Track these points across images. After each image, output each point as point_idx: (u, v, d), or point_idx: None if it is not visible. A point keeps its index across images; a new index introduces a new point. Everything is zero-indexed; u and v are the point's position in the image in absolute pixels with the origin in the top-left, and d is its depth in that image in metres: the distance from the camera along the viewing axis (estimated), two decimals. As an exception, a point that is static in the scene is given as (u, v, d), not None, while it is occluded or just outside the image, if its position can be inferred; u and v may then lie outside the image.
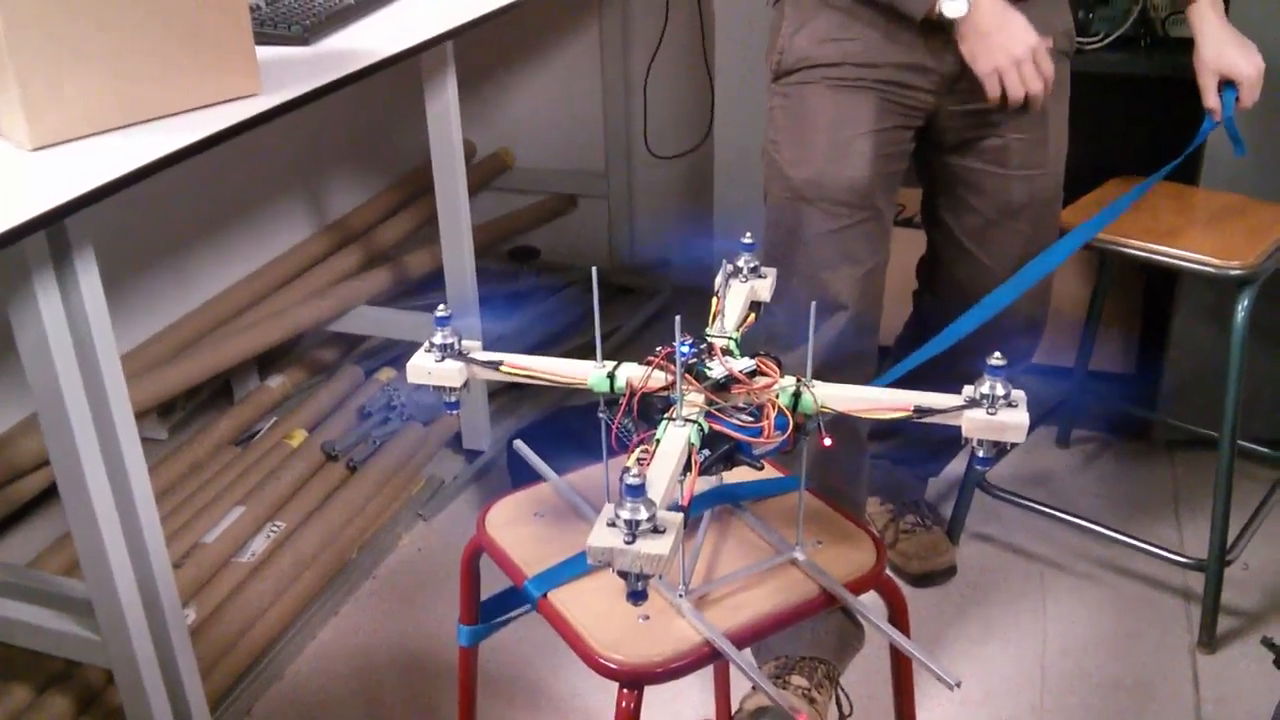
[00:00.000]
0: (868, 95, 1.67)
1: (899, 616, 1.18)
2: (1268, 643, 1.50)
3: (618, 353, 1.09)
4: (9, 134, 1.44)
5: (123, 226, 2.40)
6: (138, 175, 1.39)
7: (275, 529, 2.16)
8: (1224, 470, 1.90)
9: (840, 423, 1.04)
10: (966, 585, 2.15)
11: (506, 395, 2.70)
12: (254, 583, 2.04)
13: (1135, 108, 2.32)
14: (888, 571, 1.18)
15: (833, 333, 1.70)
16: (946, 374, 1.16)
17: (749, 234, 1.23)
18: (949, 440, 2.09)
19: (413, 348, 1.12)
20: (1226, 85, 1.77)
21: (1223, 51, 1.75)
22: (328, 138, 3.05)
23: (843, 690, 1.75)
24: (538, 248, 3.44)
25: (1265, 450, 2.23)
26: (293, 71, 1.73)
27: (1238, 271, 1.81)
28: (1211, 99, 1.77)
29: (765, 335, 1.75)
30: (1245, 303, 1.82)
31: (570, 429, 2.37)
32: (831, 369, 1.34)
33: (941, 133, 1.75)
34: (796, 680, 1.71)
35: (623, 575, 0.87)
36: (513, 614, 1.28)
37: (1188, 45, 1.80)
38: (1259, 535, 2.09)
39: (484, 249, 2.92)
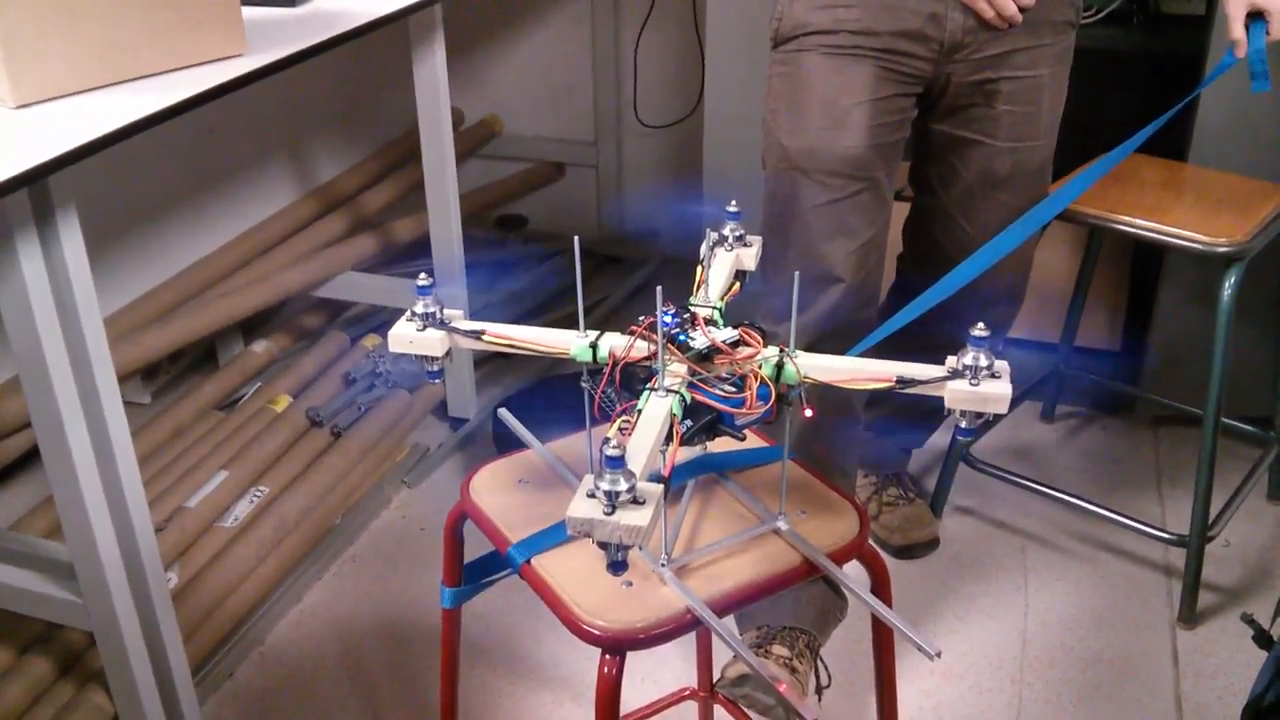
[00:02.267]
0: (865, 63, 1.66)
1: (881, 587, 1.19)
2: (1247, 619, 1.50)
3: (605, 322, 1.09)
4: (-10, 92, 1.43)
5: (107, 188, 2.39)
6: (122, 134, 1.37)
7: (259, 494, 2.16)
8: (1207, 447, 1.90)
9: (832, 393, 1.04)
10: (949, 558, 2.16)
11: (492, 363, 2.69)
12: (237, 548, 2.04)
13: (1126, 84, 2.31)
14: (870, 542, 1.18)
15: (829, 305, 1.70)
16: (926, 342, 1.16)
17: (734, 202, 1.23)
18: (932, 411, 2.10)
19: (398, 314, 1.12)
20: (1254, 18, 1.71)
21: None
22: (314, 101, 3.03)
23: (823, 661, 1.76)
24: (525, 216, 3.43)
25: (1248, 428, 2.24)
26: (279, 32, 1.71)
27: (1225, 249, 1.81)
28: (1238, 30, 1.70)
29: (762, 307, 1.74)
30: (1232, 280, 1.82)
31: (556, 398, 2.37)
32: (829, 340, 1.33)
33: (936, 100, 1.74)
34: (778, 650, 1.72)
35: (603, 546, 0.87)
36: (495, 576, 1.28)
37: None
38: (1240, 512, 2.10)
39: (471, 216, 2.91)
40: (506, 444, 1.29)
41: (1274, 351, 2.23)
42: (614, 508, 0.85)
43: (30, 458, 2.25)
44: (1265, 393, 2.23)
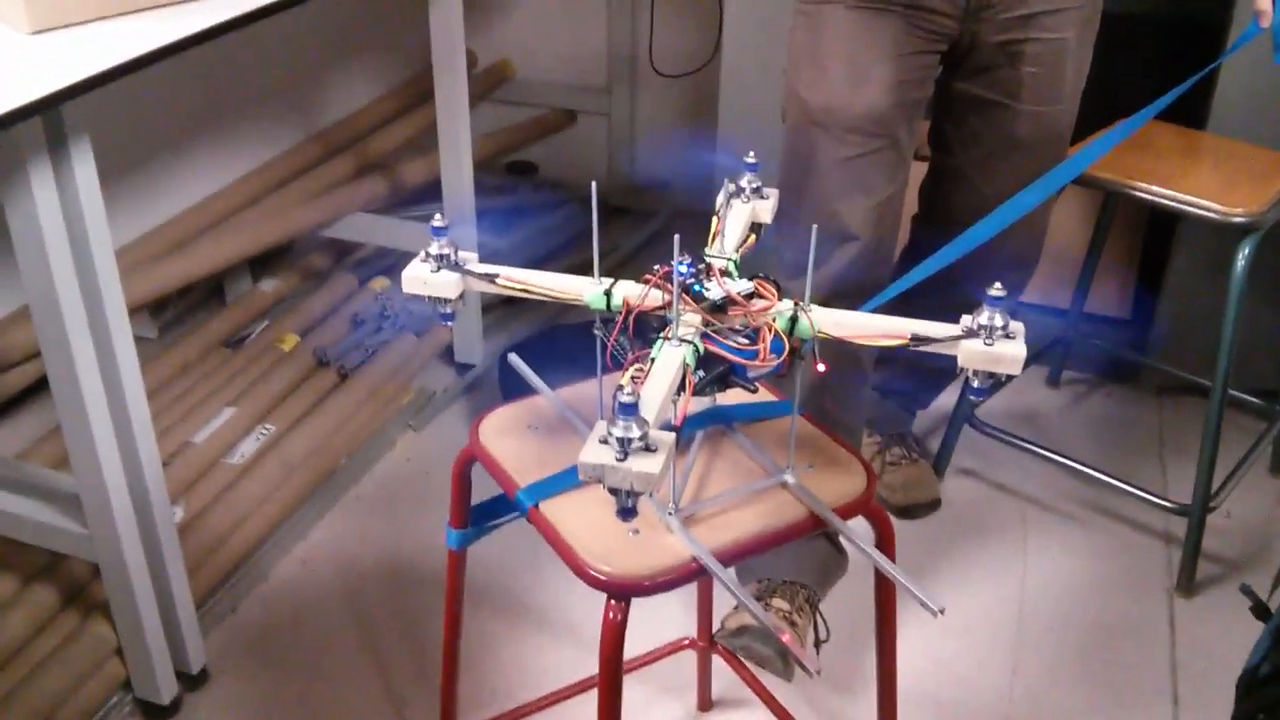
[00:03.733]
0: (890, 19, 1.63)
1: (885, 543, 1.19)
2: (1246, 590, 1.51)
3: (614, 273, 1.08)
4: (7, 17, 1.42)
5: (119, 119, 2.37)
6: (136, 64, 1.37)
7: (265, 432, 2.17)
8: (1213, 417, 1.90)
9: (843, 350, 1.04)
10: (950, 519, 2.16)
11: (499, 311, 2.69)
12: (242, 484, 2.05)
13: (1147, 51, 2.29)
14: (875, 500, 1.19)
15: (843, 262, 1.69)
16: (936, 305, 1.16)
17: (752, 153, 1.22)
18: (939, 372, 2.10)
19: (407, 257, 1.11)
20: None
21: None
22: (329, 38, 3.00)
23: (822, 616, 1.77)
24: (535, 163, 3.40)
25: (1254, 400, 2.24)
26: (296, -33, 1.69)
27: (1241, 219, 1.80)
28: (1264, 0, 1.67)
29: (778, 262, 1.74)
30: (1246, 251, 1.81)
31: (563, 346, 2.36)
32: (842, 298, 1.32)
33: (961, 59, 1.72)
34: (778, 603, 1.73)
35: (613, 492, 0.88)
36: (502, 519, 1.28)
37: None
38: (1243, 484, 2.10)
39: (481, 162, 2.89)
40: (513, 390, 1.29)
41: (1284, 324, 2.22)
42: (626, 454, 0.85)
43: (38, 387, 2.25)
44: (1273, 366, 2.23)
